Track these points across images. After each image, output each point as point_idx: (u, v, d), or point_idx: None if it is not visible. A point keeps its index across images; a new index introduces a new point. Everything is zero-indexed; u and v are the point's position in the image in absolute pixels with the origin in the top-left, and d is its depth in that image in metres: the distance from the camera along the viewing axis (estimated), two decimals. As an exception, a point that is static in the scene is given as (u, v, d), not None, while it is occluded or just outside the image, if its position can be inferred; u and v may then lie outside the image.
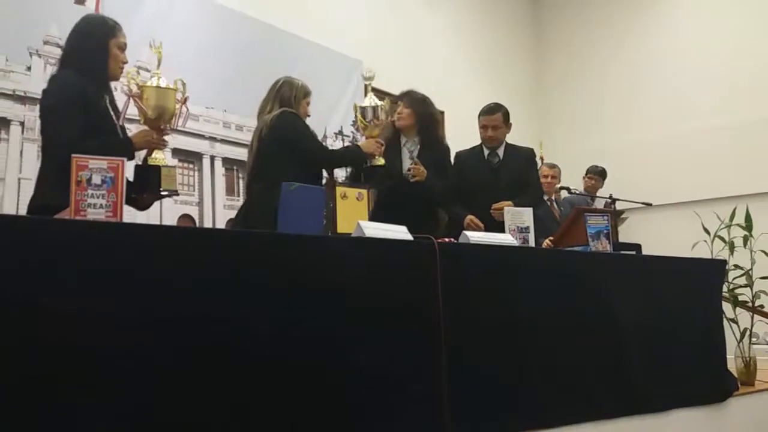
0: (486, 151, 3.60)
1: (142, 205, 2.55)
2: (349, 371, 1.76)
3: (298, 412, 1.65)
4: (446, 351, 1.90)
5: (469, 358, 2.01)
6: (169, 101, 2.36)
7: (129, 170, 2.08)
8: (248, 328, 1.62)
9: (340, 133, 5.16)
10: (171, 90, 2.37)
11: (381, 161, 3.11)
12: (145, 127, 2.40)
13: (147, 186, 2.40)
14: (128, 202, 2.44)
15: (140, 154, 2.47)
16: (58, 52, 3.47)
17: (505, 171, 3.55)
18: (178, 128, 2.60)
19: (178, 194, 2.56)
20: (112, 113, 2.46)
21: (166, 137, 2.45)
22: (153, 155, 2.40)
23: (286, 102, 3.08)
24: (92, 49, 2.41)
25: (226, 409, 1.55)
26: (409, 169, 3.24)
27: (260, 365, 1.62)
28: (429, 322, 1.90)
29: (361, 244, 1.95)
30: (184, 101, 2.44)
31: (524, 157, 3.68)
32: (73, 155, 1.72)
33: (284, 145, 2.97)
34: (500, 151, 3.62)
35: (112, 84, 2.54)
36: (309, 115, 3.18)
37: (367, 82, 3.18)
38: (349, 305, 1.79)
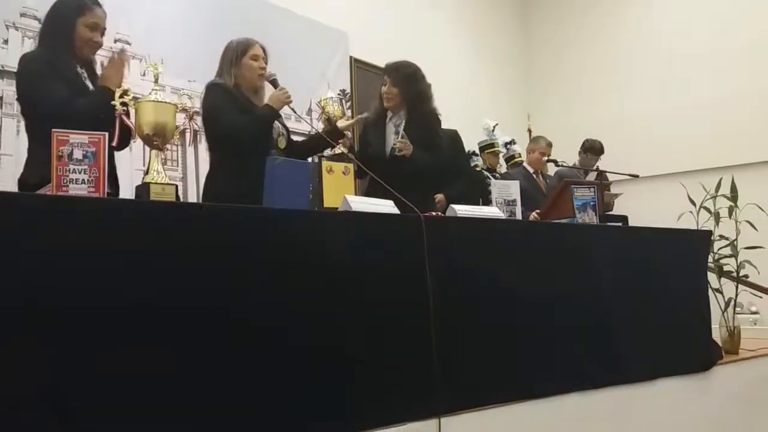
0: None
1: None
2: (337, 346, 1.76)
3: (285, 386, 1.65)
4: (435, 323, 1.90)
5: (457, 330, 2.01)
6: (168, 116, 2.20)
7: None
8: (235, 305, 1.60)
9: (326, 106, 5.11)
10: (170, 105, 2.22)
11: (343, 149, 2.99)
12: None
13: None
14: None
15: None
16: (36, 24, 3.43)
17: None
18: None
19: None
20: (89, 84, 2.42)
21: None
22: (149, 172, 2.26)
23: (225, 69, 2.81)
24: (59, 26, 2.38)
25: (219, 385, 1.55)
26: (394, 145, 3.12)
27: (248, 341, 1.61)
28: (417, 294, 1.90)
29: (347, 219, 1.93)
30: (192, 117, 2.35)
31: (450, 135, 3.78)
32: (54, 130, 1.70)
33: (206, 126, 2.80)
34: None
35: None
36: (262, 72, 2.81)
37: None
38: (337, 280, 1.79)
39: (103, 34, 2.48)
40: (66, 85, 2.30)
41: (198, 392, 1.52)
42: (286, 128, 2.97)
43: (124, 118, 2.21)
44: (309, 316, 1.72)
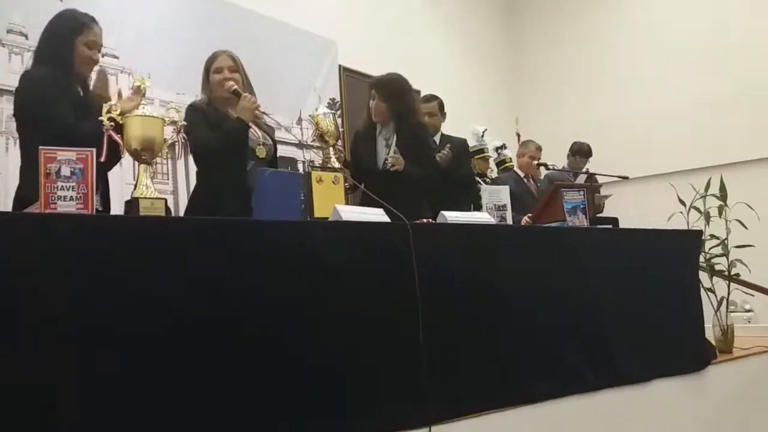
0: None
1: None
2: (324, 354, 1.76)
3: (279, 392, 1.66)
4: (424, 329, 1.89)
5: (447, 335, 2.01)
6: (156, 131, 2.19)
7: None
8: (229, 316, 1.61)
9: (315, 115, 5.11)
10: (158, 119, 2.21)
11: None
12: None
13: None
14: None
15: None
16: (22, 40, 3.43)
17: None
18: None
19: None
20: (86, 104, 2.42)
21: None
22: (137, 186, 2.23)
23: (203, 85, 2.79)
24: (58, 46, 2.38)
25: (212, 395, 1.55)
26: (386, 159, 3.13)
27: (243, 351, 1.61)
28: (406, 301, 1.90)
29: (337, 228, 1.94)
30: (180, 130, 2.36)
31: (460, 146, 3.81)
32: (41, 147, 1.69)
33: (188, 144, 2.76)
34: (437, 139, 3.77)
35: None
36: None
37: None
38: (325, 288, 1.79)
39: (99, 50, 2.50)
40: (71, 107, 2.31)
41: (193, 395, 1.53)
42: (270, 136, 2.91)
43: (112, 133, 2.20)
44: (298, 324, 1.72)
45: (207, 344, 1.56)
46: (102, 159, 2.15)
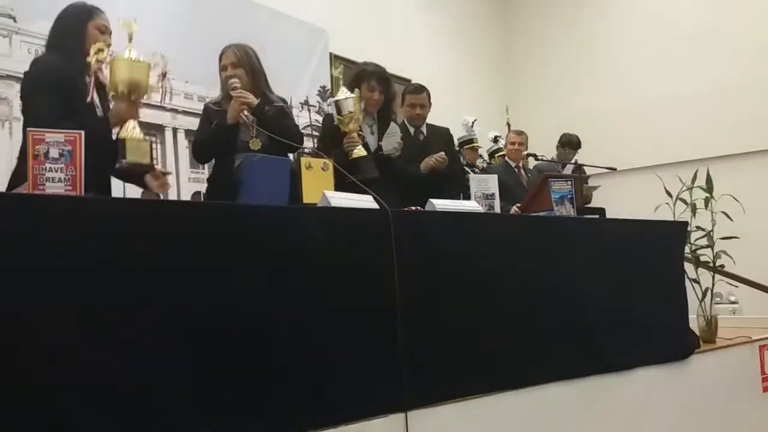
0: (411, 129, 3.79)
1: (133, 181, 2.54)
2: (299, 338, 1.76)
3: (263, 374, 1.67)
4: (404, 314, 1.90)
5: (429, 321, 2.02)
6: (142, 74, 2.27)
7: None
8: (213, 299, 1.61)
9: (306, 103, 5.11)
10: (144, 63, 2.27)
11: (362, 152, 2.96)
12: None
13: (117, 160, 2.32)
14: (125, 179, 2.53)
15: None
16: (11, 23, 3.40)
17: (432, 147, 3.71)
18: (161, 104, 2.53)
19: (150, 170, 2.39)
20: (94, 97, 2.43)
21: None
22: (124, 127, 2.31)
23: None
24: (70, 31, 2.42)
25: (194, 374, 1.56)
26: (391, 146, 3.15)
27: (227, 333, 1.62)
28: (384, 287, 1.90)
29: (320, 214, 1.95)
30: (164, 76, 2.38)
31: (445, 134, 3.91)
32: (29, 129, 1.70)
33: None
34: (424, 129, 3.84)
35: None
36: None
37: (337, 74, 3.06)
38: (312, 275, 1.80)
39: (110, 36, 2.52)
40: (65, 100, 2.31)
41: (179, 378, 1.54)
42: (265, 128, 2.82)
43: (99, 74, 2.27)
44: (277, 308, 1.72)
45: (187, 329, 1.56)
46: (89, 99, 2.25)
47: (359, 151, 2.94)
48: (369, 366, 1.86)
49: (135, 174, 2.44)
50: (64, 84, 2.32)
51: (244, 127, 2.74)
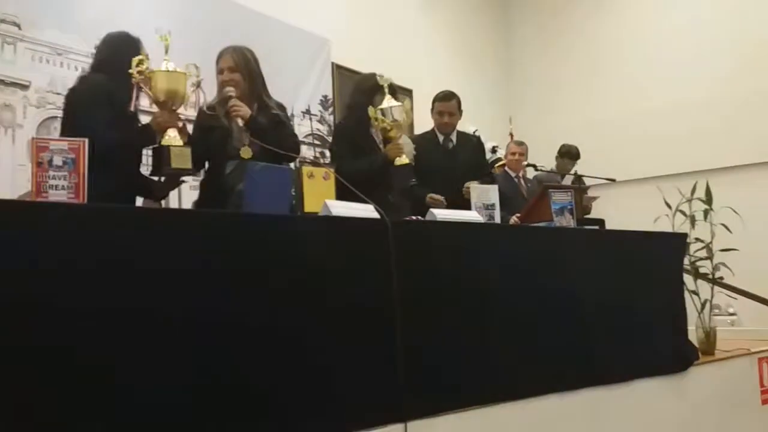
0: (440, 137, 3.78)
1: (159, 195, 2.69)
2: (303, 348, 1.76)
3: (260, 384, 1.67)
4: (402, 325, 1.90)
5: (428, 332, 2.02)
6: (180, 84, 2.44)
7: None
8: (214, 308, 1.62)
9: (308, 112, 5.13)
10: (181, 74, 2.45)
11: (406, 160, 3.06)
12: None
13: (159, 167, 2.45)
14: (145, 195, 2.69)
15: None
16: (15, 30, 3.43)
17: (460, 155, 3.71)
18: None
19: (192, 173, 2.55)
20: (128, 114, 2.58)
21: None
22: (165, 135, 2.43)
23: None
24: (116, 55, 2.59)
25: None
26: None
27: (225, 342, 1.62)
28: (383, 296, 1.91)
29: (319, 223, 1.96)
30: (198, 84, 2.54)
31: (475, 143, 3.91)
32: (33, 137, 1.72)
33: None
34: (453, 137, 3.80)
35: None
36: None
37: (383, 83, 3.11)
38: (312, 284, 1.80)
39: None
40: (113, 114, 2.48)
41: (175, 388, 1.54)
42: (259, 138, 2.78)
43: (142, 85, 2.43)
44: (276, 318, 1.72)
45: (190, 338, 1.57)
46: (132, 108, 2.47)
47: (403, 159, 3.05)
48: (368, 376, 1.86)
49: (176, 179, 2.59)
50: (110, 99, 2.50)
51: (237, 134, 2.74)
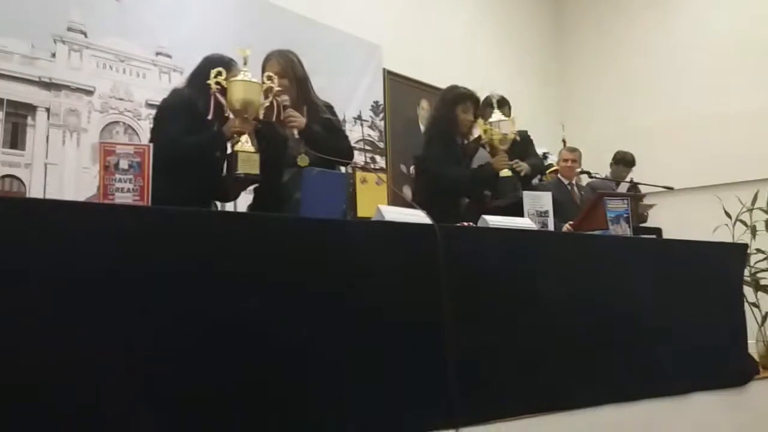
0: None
1: (231, 196, 2.78)
2: (355, 353, 1.77)
3: (308, 390, 1.68)
4: (455, 332, 1.90)
5: (480, 339, 2.01)
6: (255, 94, 2.54)
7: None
8: (270, 312, 1.64)
9: (359, 117, 5.17)
10: (256, 84, 2.55)
11: (509, 173, 3.19)
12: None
13: (230, 171, 2.55)
14: (216, 197, 2.83)
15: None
16: (81, 38, 3.57)
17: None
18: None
19: (260, 180, 2.58)
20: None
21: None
22: (237, 142, 2.54)
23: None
24: (207, 75, 2.63)
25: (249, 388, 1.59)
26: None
27: (284, 348, 1.65)
28: (434, 303, 1.91)
29: (374, 228, 1.97)
30: (277, 94, 2.63)
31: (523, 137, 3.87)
32: (101, 141, 1.78)
33: None
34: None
35: None
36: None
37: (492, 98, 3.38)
38: (359, 288, 1.81)
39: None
40: (192, 120, 2.61)
41: (222, 394, 1.56)
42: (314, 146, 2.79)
43: (218, 95, 2.53)
44: (328, 322, 1.74)
45: (239, 343, 1.58)
46: (210, 117, 2.56)
47: (508, 172, 3.19)
48: (419, 381, 1.86)
49: (245, 184, 2.66)
50: (191, 108, 2.63)
51: (292, 142, 2.78)
